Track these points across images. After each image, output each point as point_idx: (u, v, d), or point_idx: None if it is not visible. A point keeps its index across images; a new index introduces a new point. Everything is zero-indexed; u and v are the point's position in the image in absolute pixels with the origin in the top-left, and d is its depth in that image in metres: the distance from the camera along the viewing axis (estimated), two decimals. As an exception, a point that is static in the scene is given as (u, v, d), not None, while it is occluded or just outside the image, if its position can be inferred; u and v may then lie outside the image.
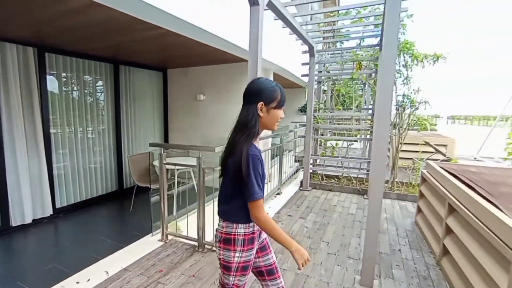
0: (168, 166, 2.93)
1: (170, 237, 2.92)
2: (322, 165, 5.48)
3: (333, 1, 7.96)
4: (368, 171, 4.83)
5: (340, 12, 4.68)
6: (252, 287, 2.14)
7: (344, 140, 5.28)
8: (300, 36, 4.08)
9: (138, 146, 5.47)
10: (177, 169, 3.90)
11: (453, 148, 6.62)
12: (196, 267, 2.38)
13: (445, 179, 2.59)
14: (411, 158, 5.72)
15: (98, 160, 4.83)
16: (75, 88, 4.45)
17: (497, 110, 8.88)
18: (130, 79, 5.27)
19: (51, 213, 4.00)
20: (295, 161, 6.57)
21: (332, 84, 6.05)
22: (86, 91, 4.62)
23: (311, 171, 5.13)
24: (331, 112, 5.24)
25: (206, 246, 2.70)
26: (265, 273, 1.37)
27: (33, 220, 3.81)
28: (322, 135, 5.82)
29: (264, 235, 1.39)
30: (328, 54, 5.70)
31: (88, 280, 2.21)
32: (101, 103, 4.87)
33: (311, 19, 5.63)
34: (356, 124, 6.32)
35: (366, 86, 6.45)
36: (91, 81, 4.68)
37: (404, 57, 4.37)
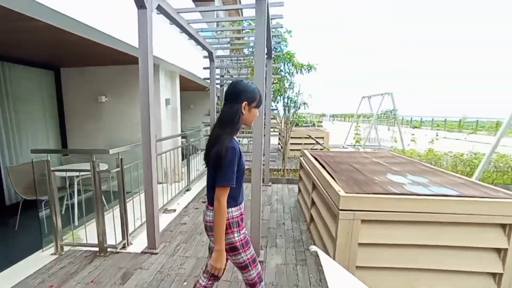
0: (59, 173, 2.77)
1: (66, 248, 2.78)
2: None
3: (237, 12, 8.55)
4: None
5: (239, 21, 5.20)
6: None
7: (244, 137, 5.92)
8: (197, 42, 4.37)
9: (26, 154, 4.69)
10: (77, 176, 3.64)
11: (328, 139, 8.32)
12: (96, 272, 2.39)
13: (311, 163, 3.39)
14: (299, 150, 6.93)
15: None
16: None
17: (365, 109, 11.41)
18: (10, 78, 4.45)
19: None
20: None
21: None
22: None
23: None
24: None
25: (109, 249, 2.73)
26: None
27: None
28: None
29: (244, 223, 1.51)
30: (228, 60, 6.19)
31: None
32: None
33: (217, 26, 6.00)
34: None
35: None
36: None
37: (288, 66, 5.26)
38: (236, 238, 1.41)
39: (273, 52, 4.77)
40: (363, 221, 1.99)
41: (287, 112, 5.47)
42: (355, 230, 1.99)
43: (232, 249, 1.41)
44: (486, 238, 1.96)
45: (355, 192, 2.07)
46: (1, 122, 4.39)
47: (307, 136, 6.44)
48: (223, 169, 1.28)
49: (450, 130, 16.27)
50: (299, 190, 4.26)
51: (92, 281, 2.26)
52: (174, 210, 3.85)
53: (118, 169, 2.71)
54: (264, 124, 5.16)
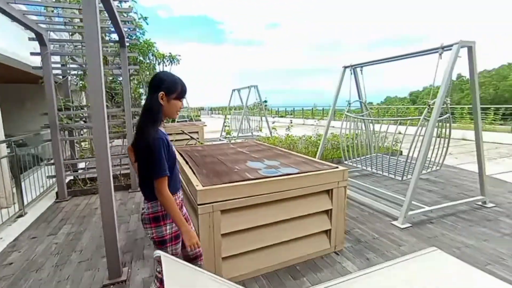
0: None
1: None
2: (84, 168, 4.95)
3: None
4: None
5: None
6: None
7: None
8: (14, 18, 3.27)
9: None
10: None
11: (203, 133, 8.34)
12: None
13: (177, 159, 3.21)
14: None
15: None
16: None
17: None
18: None
19: None
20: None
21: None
22: None
23: (70, 178, 4.49)
24: (82, 109, 4.75)
25: None
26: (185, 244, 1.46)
27: None
28: (81, 135, 5.19)
29: (184, 209, 1.56)
30: (73, 45, 5.04)
31: None
32: None
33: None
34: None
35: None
36: None
37: (149, 56, 4.81)
38: (168, 231, 1.42)
39: (127, 40, 4.20)
40: (223, 211, 2.00)
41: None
42: (216, 222, 1.97)
43: (160, 242, 1.42)
44: (319, 204, 2.39)
45: (213, 184, 2.04)
46: None
47: (181, 132, 6.17)
48: (155, 161, 1.30)
49: (306, 117, 19.80)
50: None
51: None
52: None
53: None
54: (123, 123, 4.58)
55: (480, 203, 3.61)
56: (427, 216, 3.29)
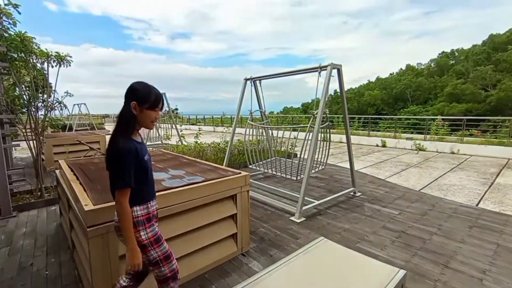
0: None
1: None
2: None
3: None
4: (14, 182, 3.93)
5: None
6: None
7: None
8: None
9: None
10: None
11: (105, 143, 7.46)
12: None
13: (65, 175, 2.74)
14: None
15: None
16: None
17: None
18: None
19: None
20: None
21: None
22: None
23: None
24: None
25: None
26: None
27: None
28: None
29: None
30: None
31: None
32: None
33: None
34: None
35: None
36: None
37: (24, 54, 3.91)
38: (143, 237, 1.42)
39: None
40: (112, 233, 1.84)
41: (33, 114, 4.10)
42: (112, 243, 1.80)
43: (141, 248, 1.41)
44: (225, 210, 2.50)
45: (107, 201, 1.86)
46: None
47: (77, 142, 5.26)
48: (117, 171, 1.31)
49: (216, 125, 20.09)
50: (60, 211, 3.38)
51: None
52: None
53: None
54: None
55: (352, 193, 4.53)
56: (317, 209, 3.90)
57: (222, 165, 5.02)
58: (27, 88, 4.20)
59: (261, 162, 4.58)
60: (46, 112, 4.40)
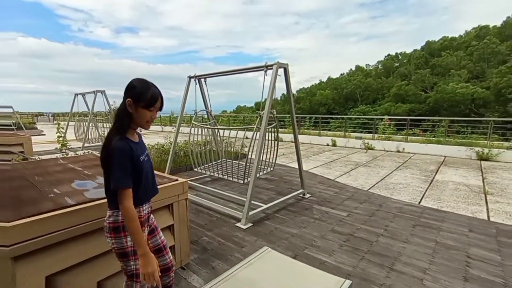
0: None
1: None
2: None
3: None
4: None
5: None
6: None
7: None
8: None
9: None
10: None
11: (31, 146, 6.50)
12: None
13: None
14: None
15: None
16: None
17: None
18: None
19: None
20: None
21: None
22: None
23: None
24: None
25: None
26: (153, 252, 1.46)
27: None
28: None
29: (152, 219, 1.58)
30: None
31: None
32: None
33: None
34: None
35: None
36: None
37: None
38: (129, 243, 1.35)
39: None
40: (19, 257, 1.42)
41: None
42: (8, 274, 1.37)
43: (121, 255, 1.35)
44: (160, 221, 2.15)
45: (7, 221, 1.41)
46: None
47: None
48: (112, 170, 1.26)
49: (164, 124, 19.21)
50: None
51: None
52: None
53: None
54: None
55: (301, 195, 4.46)
56: (265, 213, 3.71)
57: (165, 170, 4.60)
58: None
59: (207, 165, 4.26)
60: None
